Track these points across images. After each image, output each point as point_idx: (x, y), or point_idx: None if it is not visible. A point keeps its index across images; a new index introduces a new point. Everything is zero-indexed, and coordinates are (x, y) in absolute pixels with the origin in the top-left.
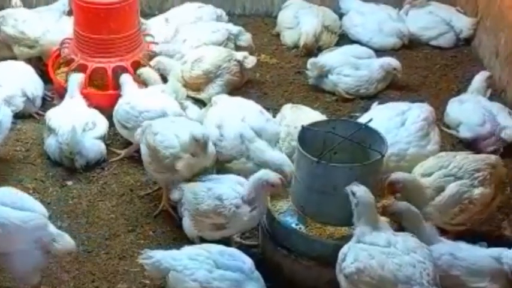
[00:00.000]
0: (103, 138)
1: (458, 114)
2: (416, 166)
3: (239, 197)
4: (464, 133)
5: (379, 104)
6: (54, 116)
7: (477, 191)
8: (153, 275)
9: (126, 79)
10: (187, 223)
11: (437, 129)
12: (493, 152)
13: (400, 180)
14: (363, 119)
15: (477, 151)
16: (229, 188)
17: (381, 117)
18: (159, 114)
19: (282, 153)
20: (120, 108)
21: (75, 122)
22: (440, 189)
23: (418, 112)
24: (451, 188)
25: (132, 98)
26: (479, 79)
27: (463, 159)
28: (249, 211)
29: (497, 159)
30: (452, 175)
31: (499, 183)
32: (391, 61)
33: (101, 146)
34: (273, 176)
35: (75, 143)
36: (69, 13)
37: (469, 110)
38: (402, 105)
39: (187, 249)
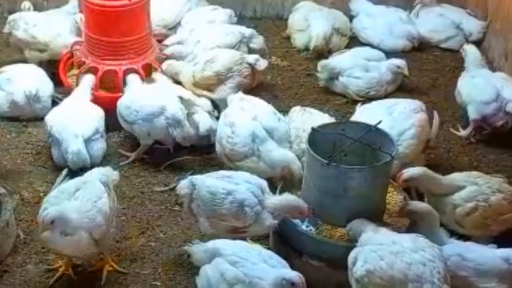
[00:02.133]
0: (103, 136)
1: (468, 94)
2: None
3: (259, 203)
4: (472, 115)
5: (362, 104)
6: (55, 122)
7: (494, 197)
8: (197, 260)
9: (133, 78)
10: (205, 224)
11: (423, 115)
12: (503, 126)
13: (413, 177)
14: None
15: (488, 126)
16: (250, 193)
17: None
18: (158, 112)
19: (290, 151)
20: (122, 102)
21: (78, 133)
22: (461, 188)
23: (405, 104)
24: (472, 187)
25: (133, 93)
26: (472, 51)
27: (493, 180)
28: (272, 221)
29: None
30: (477, 184)
31: None
32: (396, 61)
33: (104, 148)
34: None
35: (81, 162)
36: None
37: (478, 87)
38: (390, 101)
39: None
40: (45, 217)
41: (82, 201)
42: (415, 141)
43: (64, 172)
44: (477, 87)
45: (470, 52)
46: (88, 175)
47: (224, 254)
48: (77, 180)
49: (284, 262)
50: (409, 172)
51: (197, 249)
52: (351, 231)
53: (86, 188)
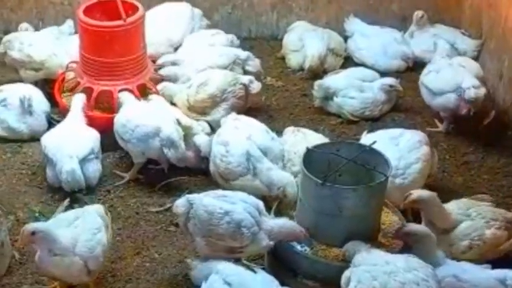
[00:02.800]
0: (98, 157)
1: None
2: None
3: (256, 224)
4: (440, 108)
5: (369, 132)
6: (50, 143)
7: (489, 231)
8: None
9: (126, 96)
10: (201, 244)
11: (428, 149)
12: (467, 114)
13: (422, 198)
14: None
15: (457, 117)
16: (247, 214)
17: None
18: (154, 131)
19: (288, 173)
20: (119, 120)
21: (73, 154)
22: (456, 223)
23: (410, 135)
24: (466, 223)
25: (130, 111)
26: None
27: (483, 207)
28: (268, 242)
29: None
30: (470, 217)
31: None
32: (387, 80)
33: (98, 169)
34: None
35: (76, 183)
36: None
37: (440, 81)
38: (395, 131)
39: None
40: (26, 227)
41: (82, 230)
42: (420, 175)
43: (65, 202)
44: (440, 81)
45: (438, 46)
46: (87, 208)
47: (219, 272)
48: (76, 211)
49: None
50: (418, 193)
51: (197, 265)
52: (347, 252)
53: (85, 217)
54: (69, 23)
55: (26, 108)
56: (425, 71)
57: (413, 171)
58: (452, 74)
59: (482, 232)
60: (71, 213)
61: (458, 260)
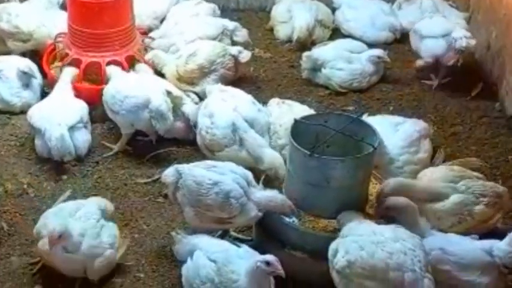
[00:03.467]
0: (87, 127)
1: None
2: (424, 172)
3: (245, 195)
4: (427, 59)
5: (369, 116)
6: (38, 113)
7: (478, 207)
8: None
9: (113, 70)
10: (190, 214)
11: (428, 141)
12: (455, 64)
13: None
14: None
15: (441, 65)
16: (236, 184)
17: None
18: (143, 102)
19: (277, 153)
20: (108, 91)
21: (61, 122)
22: (444, 196)
23: (411, 124)
24: (455, 197)
25: (119, 82)
26: None
27: (472, 181)
28: (257, 212)
29: (504, 191)
30: (459, 191)
31: (501, 210)
32: (375, 51)
33: (88, 139)
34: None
35: (65, 148)
36: (63, 7)
37: (431, 29)
38: (396, 119)
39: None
40: (53, 233)
41: (89, 228)
42: (419, 167)
43: (67, 193)
44: (433, 26)
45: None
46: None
47: (203, 249)
48: (77, 202)
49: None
50: (392, 201)
51: (180, 241)
52: (340, 220)
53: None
54: None
55: (25, 81)
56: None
57: (414, 162)
58: (444, 21)
59: (472, 208)
60: (72, 204)
61: (445, 232)
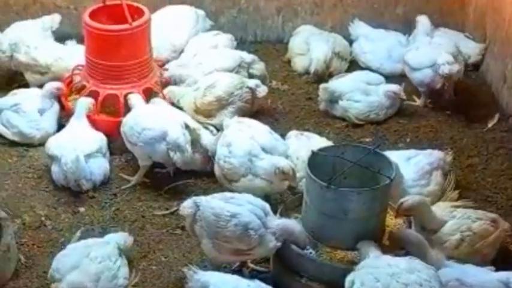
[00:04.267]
0: (104, 156)
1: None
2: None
3: (263, 226)
4: (420, 89)
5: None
6: (55, 143)
7: (476, 224)
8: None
9: (135, 98)
10: (208, 246)
11: (440, 173)
12: (442, 89)
13: (414, 205)
14: None
15: (432, 92)
16: (254, 216)
17: None
18: (161, 135)
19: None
20: (127, 122)
21: (77, 148)
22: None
23: (423, 157)
24: (452, 222)
25: (138, 113)
26: (424, 22)
27: (467, 210)
28: (275, 243)
29: (498, 217)
30: (456, 218)
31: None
32: (392, 87)
33: (105, 166)
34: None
35: (81, 171)
36: (81, 40)
37: (419, 58)
38: (408, 152)
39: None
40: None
41: (104, 271)
42: (429, 199)
43: (78, 233)
44: (419, 57)
45: (422, 23)
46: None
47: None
48: (93, 240)
49: None
50: (409, 201)
51: (191, 278)
52: (360, 249)
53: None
54: (55, 18)
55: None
56: (407, 49)
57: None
58: (429, 51)
59: (470, 225)
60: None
61: (462, 262)
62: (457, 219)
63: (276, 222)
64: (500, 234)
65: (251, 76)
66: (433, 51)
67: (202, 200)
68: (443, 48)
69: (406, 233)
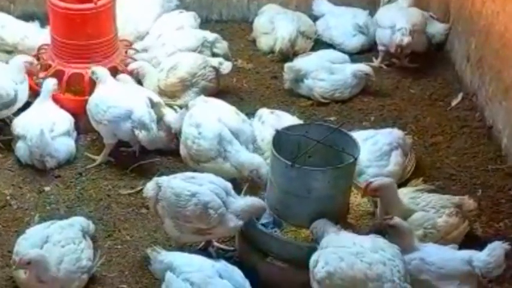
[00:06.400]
0: (70, 135)
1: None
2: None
3: (223, 205)
4: (379, 47)
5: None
6: (21, 123)
7: (441, 220)
8: (153, 269)
9: (101, 71)
10: (170, 226)
11: (400, 153)
12: (400, 53)
13: (383, 186)
14: None
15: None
16: (214, 195)
17: None
18: (126, 113)
19: (257, 154)
20: (92, 100)
21: (42, 124)
22: (412, 212)
23: (381, 137)
24: (417, 215)
25: (103, 92)
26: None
27: (430, 196)
28: (236, 222)
29: (461, 199)
30: (420, 207)
31: (465, 219)
32: (363, 67)
33: (70, 145)
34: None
35: (45, 146)
36: (47, 19)
37: (385, 19)
38: (366, 132)
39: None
40: (23, 257)
41: (68, 254)
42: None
43: (37, 217)
44: (386, 16)
45: None
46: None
47: (177, 269)
48: (59, 225)
49: (239, 271)
50: (378, 181)
51: (155, 259)
52: (314, 229)
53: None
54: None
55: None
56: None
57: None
58: (396, 13)
59: (435, 222)
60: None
61: None
62: (421, 209)
63: (237, 203)
64: (465, 226)
65: (214, 55)
66: (398, 14)
67: (164, 180)
68: (411, 16)
69: (402, 222)
